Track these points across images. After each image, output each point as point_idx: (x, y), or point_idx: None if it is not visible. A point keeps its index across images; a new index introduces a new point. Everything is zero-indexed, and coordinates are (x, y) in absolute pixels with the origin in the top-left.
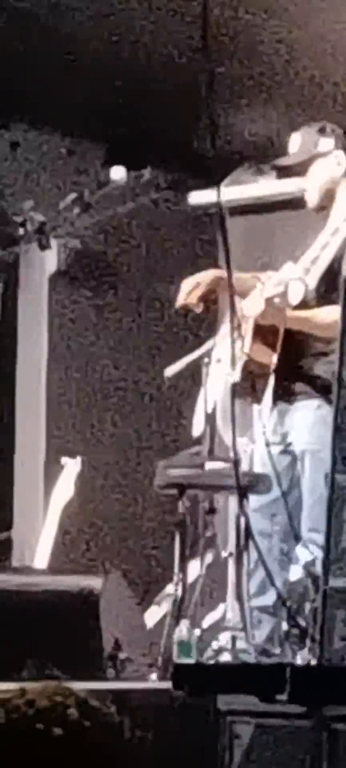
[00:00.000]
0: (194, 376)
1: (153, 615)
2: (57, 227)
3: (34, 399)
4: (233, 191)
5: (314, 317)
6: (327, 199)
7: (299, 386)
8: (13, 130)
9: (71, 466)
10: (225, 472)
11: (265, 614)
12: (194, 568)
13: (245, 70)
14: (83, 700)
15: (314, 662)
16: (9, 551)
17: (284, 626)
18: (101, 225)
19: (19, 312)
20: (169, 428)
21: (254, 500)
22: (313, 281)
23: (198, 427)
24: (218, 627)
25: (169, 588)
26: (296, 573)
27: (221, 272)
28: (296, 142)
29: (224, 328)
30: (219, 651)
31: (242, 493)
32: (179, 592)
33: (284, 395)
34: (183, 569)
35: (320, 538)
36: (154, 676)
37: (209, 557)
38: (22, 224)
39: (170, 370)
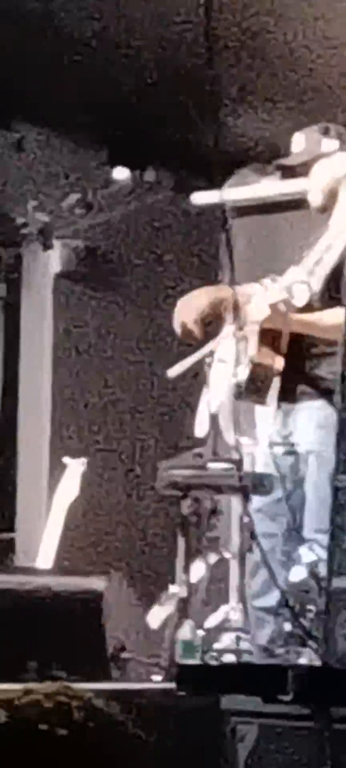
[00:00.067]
0: (197, 376)
1: (157, 615)
2: (60, 228)
3: (37, 399)
4: (236, 192)
5: (319, 320)
6: (330, 199)
7: (303, 387)
8: (17, 130)
9: (75, 467)
10: (228, 472)
11: (268, 615)
12: (198, 569)
13: (248, 70)
14: (87, 701)
15: (317, 663)
16: (12, 552)
17: (288, 627)
18: (104, 225)
19: (22, 312)
20: (172, 429)
21: (256, 501)
22: (317, 283)
23: (201, 427)
24: (221, 628)
25: (173, 589)
26: (299, 574)
27: (221, 293)
28: (299, 142)
29: (228, 329)
30: (223, 651)
31: (246, 493)
32: (183, 593)
33: (289, 396)
34: (187, 570)
35: (325, 539)
36: (157, 676)
37: (212, 558)
38: (26, 225)
39: (173, 371)
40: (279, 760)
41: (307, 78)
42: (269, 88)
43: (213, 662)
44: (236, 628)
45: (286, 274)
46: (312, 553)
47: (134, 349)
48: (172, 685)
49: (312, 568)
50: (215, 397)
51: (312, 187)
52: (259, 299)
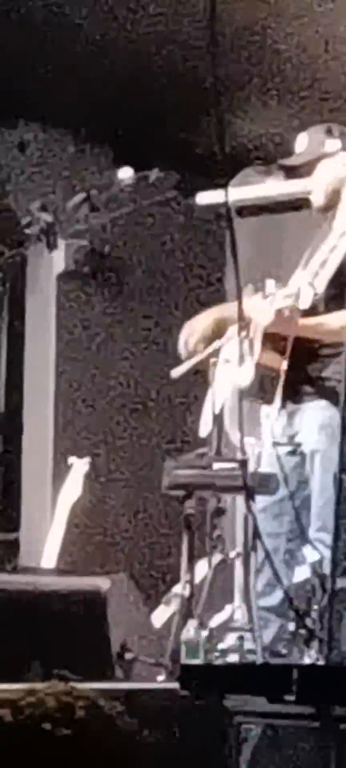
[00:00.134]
0: (201, 376)
1: (161, 615)
2: (65, 227)
3: (42, 399)
4: (241, 191)
5: (324, 324)
6: (333, 199)
7: (308, 387)
8: (21, 130)
9: (79, 467)
10: (233, 472)
11: (271, 614)
12: (202, 569)
13: (253, 70)
14: (91, 701)
15: (321, 663)
16: (16, 551)
17: (291, 627)
18: (109, 225)
19: (26, 312)
20: (176, 429)
21: (260, 500)
22: (322, 285)
23: (206, 427)
24: (225, 627)
25: (177, 588)
26: (303, 573)
27: (225, 312)
28: (302, 142)
29: (232, 329)
30: (227, 651)
31: (250, 493)
32: (187, 593)
33: (294, 396)
34: (191, 570)
35: (329, 538)
36: (161, 676)
37: (216, 558)
38: (30, 224)
39: (177, 371)
40: (283, 760)
41: (312, 78)
42: (273, 88)
43: (217, 662)
44: (240, 628)
45: (292, 277)
46: (316, 553)
47: (139, 348)
48: (175, 685)
49: (316, 567)
50: (220, 397)
51: (315, 187)
52: (264, 305)
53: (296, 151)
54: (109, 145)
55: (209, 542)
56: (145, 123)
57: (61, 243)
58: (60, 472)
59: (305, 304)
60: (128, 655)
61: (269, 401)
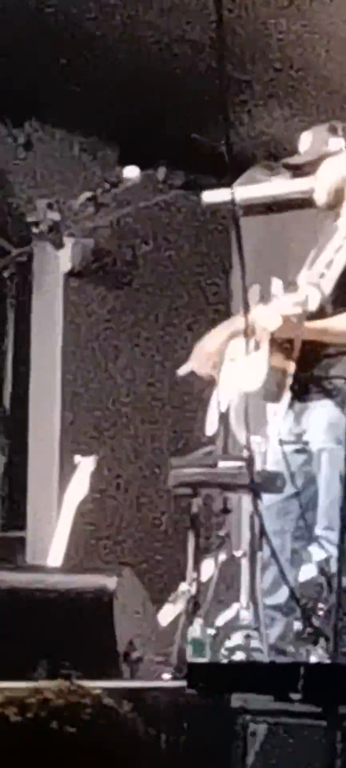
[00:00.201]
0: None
1: (167, 614)
2: (71, 226)
3: (48, 398)
4: (247, 190)
5: (330, 328)
6: (336, 198)
7: (316, 385)
8: (27, 129)
9: (85, 465)
10: (239, 471)
11: (277, 612)
12: (208, 567)
13: (259, 69)
14: (97, 699)
15: (328, 661)
16: (23, 549)
17: (298, 625)
18: (115, 224)
19: (33, 311)
20: (182, 427)
21: (266, 498)
22: (328, 286)
23: (212, 426)
24: (231, 626)
25: (183, 587)
26: (309, 571)
27: (233, 327)
28: (306, 141)
29: (238, 329)
30: (233, 650)
31: (256, 492)
32: (193, 591)
33: (301, 394)
34: (197, 568)
35: (336, 536)
36: (168, 674)
37: (222, 556)
38: (36, 223)
39: (183, 369)
40: (289, 758)
41: (318, 77)
42: (280, 87)
43: (223, 660)
44: (246, 627)
45: (298, 276)
46: (322, 551)
47: (145, 347)
48: (182, 683)
49: (323, 565)
50: (226, 396)
51: (318, 185)
52: (272, 310)
53: (300, 150)
54: (115, 144)
55: (215, 541)
56: (151, 122)
57: (68, 241)
58: (66, 470)
59: (312, 306)
60: (135, 654)
61: (277, 400)
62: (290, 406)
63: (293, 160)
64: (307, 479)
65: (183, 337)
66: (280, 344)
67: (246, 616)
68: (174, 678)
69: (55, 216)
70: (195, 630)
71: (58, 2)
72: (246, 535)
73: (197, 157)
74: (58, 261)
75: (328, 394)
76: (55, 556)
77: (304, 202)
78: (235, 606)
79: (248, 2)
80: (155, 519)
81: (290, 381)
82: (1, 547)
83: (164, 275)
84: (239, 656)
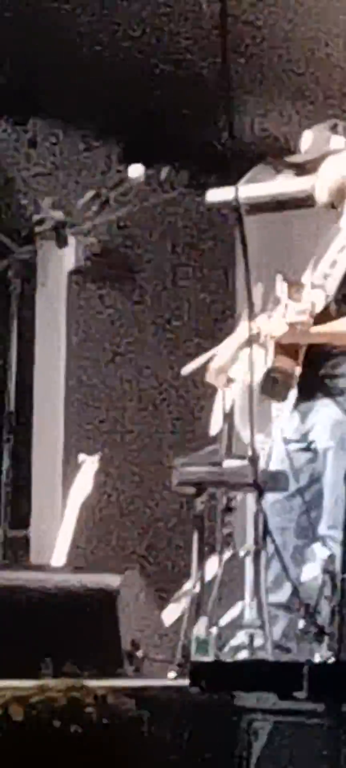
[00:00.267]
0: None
1: (171, 612)
2: (75, 225)
3: (52, 397)
4: (251, 189)
5: (336, 332)
6: (338, 197)
7: (322, 385)
8: (32, 128)
9: (89, 464)
10: (243, 470)
11: (280, 610)
12: (212, 566)
13: (263, 67)
14: (101, 698)
15: (332, 660)
16: (27, 549)
17: (302, 624)
18: (119, 222)
19: (37, 309)
20: (187, 426)
21: (269, 495)
22: (333, 287)
23: (216, 425)
24: (235, 624)
25: (187, 586)
26: (313, 570)
27: (241, 338)
28: (307, 139)
29: (243, 327)
30: (237, 648)
31: (260, 490)
32: (197, 590)
33: (307, 394)
34: (201, 567)
35: (339, 535)
36: (172, 673)
37: (226, 555)
38: (41, 222)
39: (188, 368)
40: (294, 757)
41: (323, 75)
42: (284, 86)
43: (227, 659)
44: (250, 625)
45: (302, 275)
46: (326, 550)
47: (149, 346)
48: (186, 681)
49: (326, 564)
50: (230, 395)
51: (320, 184)
52: (277, 317)
53: (302, 149)
54: (119, 143)
55: (219, 539)
56: (155, 120)
57: (72, 240)
58: (70, 469)
59: (317, 308)
60: (139, 653)
61: (282, 400)
62: (296, 405)
63: (295, 158)
64: (311, 477)
65: (187, 335)
66: (285, 350)
67: (250, 614)
68: (178, 677)
69: (59, 215)
70: (199, 629)
71: (63, 2)
72: (250, 533)
73: (202, 155)
74: (62, 260)
75: (333, 393)
76: (59, 555)
77: (308, 201)
78: (239, 605)
79: (257, 1)
80: (159, 518)
81: (295, 381)
82: (5, 546)
83: (168, 274)
84: (243, 655)
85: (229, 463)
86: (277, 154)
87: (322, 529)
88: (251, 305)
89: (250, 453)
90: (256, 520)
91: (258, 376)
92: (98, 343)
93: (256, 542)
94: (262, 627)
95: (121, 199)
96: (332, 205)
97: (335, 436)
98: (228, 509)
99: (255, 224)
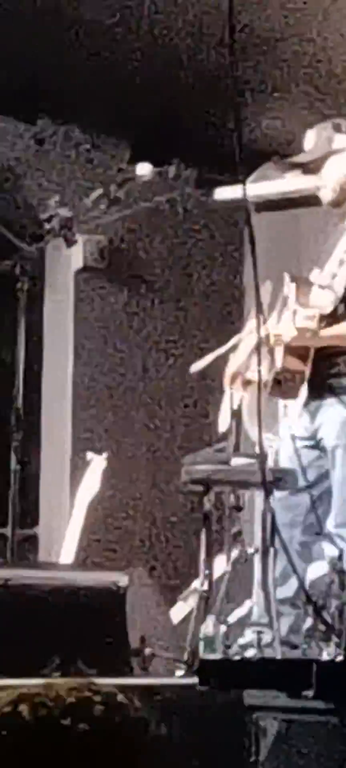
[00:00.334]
0: (220, 371)
1: (179, 611)
2: (83, 223)
3: (60, 395)
4: (259, 187)
5: (343, 333)
6: (342, 196)
7: (330, 383)
8: (39, 125)
9: (97, 462)
10: (251, 468)
11: (286, 606)
12: (220, 564)
13: (271, 66)
14: (109, 696)
15: (340, 658)
16: (35, 547)
17: (310, 621)
18: (127, 220)
19: (45, 308)
20: (195, 424)
21: (276, 492)
22: (341, 287)
23: (224, 423)
24: (244, 623)
25: (196, 584)
26: (321, 568)
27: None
28: (311, 139)
29: (251, 324)
30: (245, 647)
31: (268, 489)
32: (205, 588)
33: (316, 392)
34: (209, 565)
35: None
36: (180, 671)
37: (234, 553)
38: (48, 220)
39: (196, 366)
40: (302, 755)
41: (329, 75)
42: (291, 85)
43: (236, 657)
44: (258, 623)
45: (309, 274)
46: (334, 548)
47: (157, 344)
48: (194, 680)
49: (335, 562)
50: (238, 393)
51: (324, 183)
52: (287, 321)
53: (305, 148)
54: (127, 141)
55: (227, 538)
56: (163, 119)
57: (80, 238)
58: (78, 467)
59: (326, 308)
60: (147, 651)
61: (294, 397)
62: (305, 404)
63: (299, 158)
64: (319, 474)
65: (196, 333)
66: (294, 351)
67: (259, 612)
68: (186, 675)
69: (67, 213)
70: (207, 627)
71: (72, 1)
72: (258, 531)
73: (210, 153)
74: (70, 258)
75: (342, 392)
76: (67, 554)
77: (313, 200)
78: (247, 603)
79: (264, 1)
80: (168, 516)
81: (305, 381)
82: (13, 544)
83: (176, 272)
84: (252, 653)
85: (237, 461)
86: (288, 153)
87: (330, 526)
88: (259, 303)
89: (258, 451)
90: (264, 518)
91: (267, 377)
92: (106, 341)
93: (264, 540)
94: (270, 625)
95: (129, 198)
96: (337, 204)
97: (343, 434)
98: (236, 507)
99: (264, 222)
